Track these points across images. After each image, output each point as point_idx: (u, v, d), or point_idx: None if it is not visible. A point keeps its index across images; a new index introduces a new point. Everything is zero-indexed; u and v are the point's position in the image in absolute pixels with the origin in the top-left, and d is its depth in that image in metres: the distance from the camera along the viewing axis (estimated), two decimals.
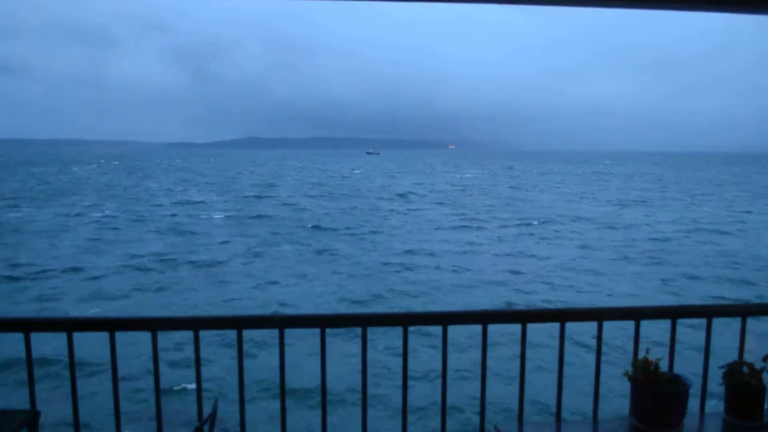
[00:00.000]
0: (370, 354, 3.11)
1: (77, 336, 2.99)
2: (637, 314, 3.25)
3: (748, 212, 42.18)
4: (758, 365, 2.86)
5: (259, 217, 37.98)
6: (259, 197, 52.82)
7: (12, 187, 59.59)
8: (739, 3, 2.56)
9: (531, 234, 31.70)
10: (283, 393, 3.11)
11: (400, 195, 54.53)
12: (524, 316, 3.22)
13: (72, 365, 3.02)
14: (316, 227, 33.21)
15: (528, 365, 3.21)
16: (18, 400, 3.21)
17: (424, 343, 11.98)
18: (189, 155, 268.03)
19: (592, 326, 3.19)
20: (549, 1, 2.56)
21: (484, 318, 3.17)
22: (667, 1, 2.54)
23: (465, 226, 34.19)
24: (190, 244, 28.34)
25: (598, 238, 30.18)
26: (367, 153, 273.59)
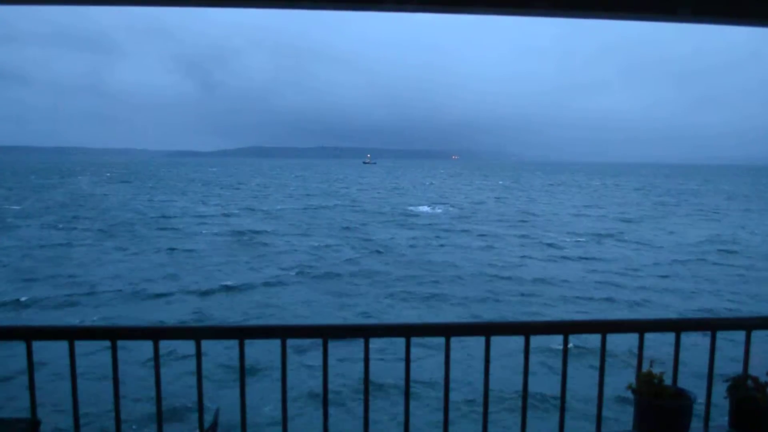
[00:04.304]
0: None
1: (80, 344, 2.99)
2: (640, 327, 3.23)
3: None
4: (763, 379, 2.85)
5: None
6: None
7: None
8: (717, 14, 2.59)
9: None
10: (284, 402, 3.10)
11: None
12: (527, 329, 3.20)
13: (73, 373, 3.01)
14: None
15: (530, 378, 3.20)
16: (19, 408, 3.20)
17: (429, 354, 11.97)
18: (208, 164, 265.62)
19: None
20: (542, 13, 2.59)
21: (487, 330, 3.16)
22: (650, 12, 2.58)
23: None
24: None
25: None
26: (364, 163, 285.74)
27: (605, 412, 3.23)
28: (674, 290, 21.89)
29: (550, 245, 32.31)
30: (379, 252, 29.49)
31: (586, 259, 28.17)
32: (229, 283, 22.02)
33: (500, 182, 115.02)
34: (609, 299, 20.45)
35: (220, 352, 12.20)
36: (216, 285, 21.67)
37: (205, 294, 20.55)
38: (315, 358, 10.71)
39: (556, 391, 3.24)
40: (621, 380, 3.09)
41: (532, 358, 3.22)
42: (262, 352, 11.52)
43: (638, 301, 20.16)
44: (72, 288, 21.06)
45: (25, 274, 23.41)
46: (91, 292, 20.55)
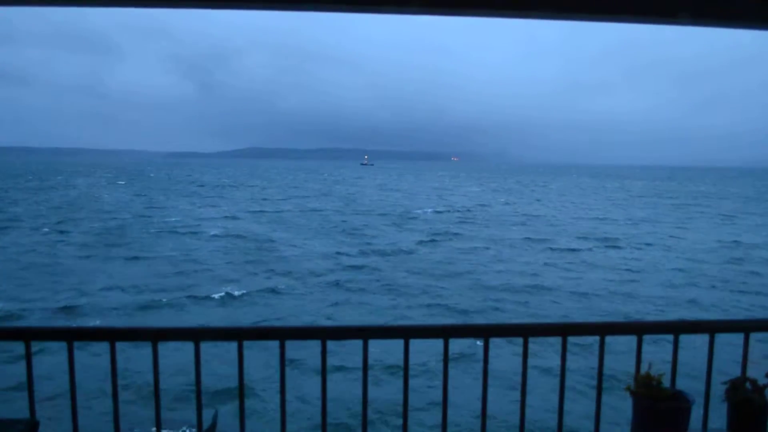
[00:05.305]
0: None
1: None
2: (639, 329, 3.23)
3: None
4: (761, 381, 2.85)
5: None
6: None
7: None
8: (717, 17, 2.60)
9: None
10: (283, 405, 3.10)
11: None
12: (526, 330, 3.20)
13: (72, 375, 3.00)
14: None
15: (528, 380, 3.19)
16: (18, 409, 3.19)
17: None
18: (209, 166, 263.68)
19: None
20: (536, 15, 2.61)
21: (486, 331, 3.16)
22: (650, 15, 2.59)
23: None
24: None
25: None
26: (362, 164, 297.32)
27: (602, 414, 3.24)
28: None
29: (569, 250, 31.95)
30: (383, 256, 29.31)
31: (600, 264, 28.01)
32: (230, 289, 21.61)
33: (500, 185, 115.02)
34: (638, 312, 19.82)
35: (218, 364, 12.02)
36: (217, 292, 21.24)
37: (206, 302, 20.18)
38: (313, 371, 10.67)
39: (554, 392, 3.23)
40: (620, 383, 3.09)
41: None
42: (262, 365, 11.51)
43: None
44: (67, 295, 20.56)
45: (17, 281, 22.82)
46: (87, 300, 20.03)
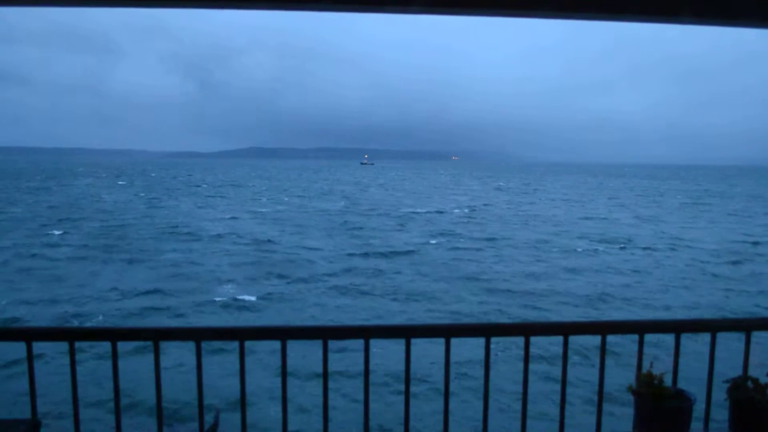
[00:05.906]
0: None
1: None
2: (640, 328, 3.23)
3: None
4: (763, 380, 2.84)
5: None
6: None
7: None
8: (719, 16, 2.60)
9: None
10: (284, 404, 3.10)
11: None
12: (527, 330, 3.20)
13: (73, 374, 3.00)
14: None
15: (530, 379, 3.19)
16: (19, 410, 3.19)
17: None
18: (209, 166, 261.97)
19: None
20: (534, 14, 2.61)
21: (487, 331, 3.15)
22: (651, 14, 2.59)
23: None
24: None
25: None
26: (362, 164, 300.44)
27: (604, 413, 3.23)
28: None
29: (574, 251, 31.52)
30: (386, 258, 28.99)
31: (606, 265, 27.60)
32: (234, 292, 21.28)
33: (502, 184, 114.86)
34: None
35: (218, 376, 11.88)
36: (220, 295, 20.91)
37: (208, 306, 19.79)
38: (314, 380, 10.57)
39: (556, 392, 3.23)
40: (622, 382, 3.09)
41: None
42: (263, 378, 11.43)
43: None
44: (67, 298, 20.18)
45: (17, 284, 22.38)
46: (88, 303, 19.66)
